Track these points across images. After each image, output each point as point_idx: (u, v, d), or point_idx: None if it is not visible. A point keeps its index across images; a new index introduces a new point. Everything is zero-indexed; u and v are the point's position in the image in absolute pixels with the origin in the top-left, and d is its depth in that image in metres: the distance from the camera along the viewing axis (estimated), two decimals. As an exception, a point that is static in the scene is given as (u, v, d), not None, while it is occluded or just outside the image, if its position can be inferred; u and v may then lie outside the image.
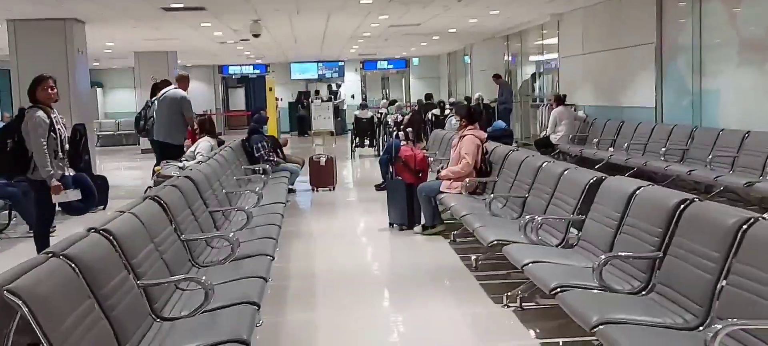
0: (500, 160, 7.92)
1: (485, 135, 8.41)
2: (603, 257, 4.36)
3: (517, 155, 7.62)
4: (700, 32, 10.52)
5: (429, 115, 17.93)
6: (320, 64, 30.08)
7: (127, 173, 16.49)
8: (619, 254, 4.48)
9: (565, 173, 6.04)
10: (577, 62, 15.14)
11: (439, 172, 8.52)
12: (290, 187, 10.98)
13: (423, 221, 8.54)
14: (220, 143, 10.26)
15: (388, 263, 7.96)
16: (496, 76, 18.59)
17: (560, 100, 14.04)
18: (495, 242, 5.59)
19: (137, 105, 18.91)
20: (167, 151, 10.09)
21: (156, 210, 4.99)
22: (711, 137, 9.64)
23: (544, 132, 14.52)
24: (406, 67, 31.80)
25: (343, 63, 30.25)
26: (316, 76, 30.54)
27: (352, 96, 30.36)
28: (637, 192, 4.69)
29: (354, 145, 19.16)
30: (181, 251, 5.05)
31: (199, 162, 8.56)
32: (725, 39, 10.02)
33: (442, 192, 8.08)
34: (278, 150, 11.66)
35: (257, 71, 31.35)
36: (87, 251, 3.58)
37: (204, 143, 9.58)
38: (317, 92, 29.04)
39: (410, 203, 8.65)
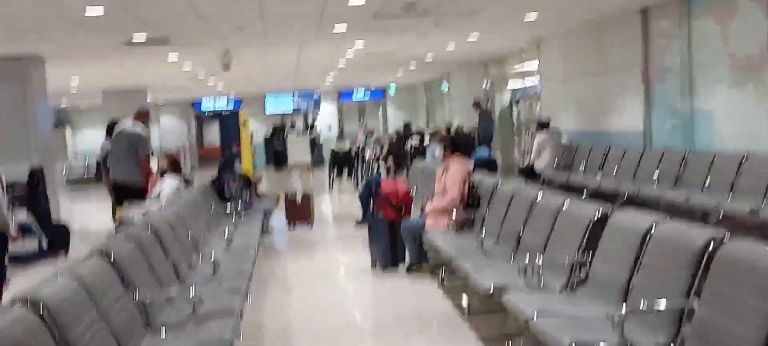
0: (489, 192, 7.33)
1: (471, 165, 7.84)
2: (624, 308, 3.73)
3: (508, 187, 7.03)
4: (689, 52, 10.04)
5: (408, 144, 17.39)
6: (296, 95, 29.54)
7: (95, 216, 15.73)
8: (648, 306, 3.74)
9: (565, 206, 5.45)
10: (559, 87, 14.66)
11: (423, 208, 7.92)
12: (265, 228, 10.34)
13: (408, 259, 7.94)
14: (188, 183, 9.57)
15: (372, 309, 7.32)
16: (476, 105, 18.06)
17: (543, 125, 13.54)
18: (493, 290, 4.96)
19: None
20: (126, 193, 9.23)
21: (104, 268, 4.32)
22: (706, 161, 9.08)
23: (528, 159, 13.97)
24: (383, 97, 31.34)
25: (319, 95, 29.74)
26: (291, 109, 29.98)
27: (329, 127, 29.80)
28: (654, 228, 4.10)
29: (331, 178, 18.60)
30: (134, 315, 4.37)
31: (162, 205, 7.91)
32: (717, 58, 9.51)
33: (428, 229, 7.49)
34: (251, 188, 11.01)
35: (231, 106, 30.75)
36: (5, 331, 2.93)
37: (168, 183, 8.89)
38: (293, 125, 28.46)
39: (393, 241, 8.06)
